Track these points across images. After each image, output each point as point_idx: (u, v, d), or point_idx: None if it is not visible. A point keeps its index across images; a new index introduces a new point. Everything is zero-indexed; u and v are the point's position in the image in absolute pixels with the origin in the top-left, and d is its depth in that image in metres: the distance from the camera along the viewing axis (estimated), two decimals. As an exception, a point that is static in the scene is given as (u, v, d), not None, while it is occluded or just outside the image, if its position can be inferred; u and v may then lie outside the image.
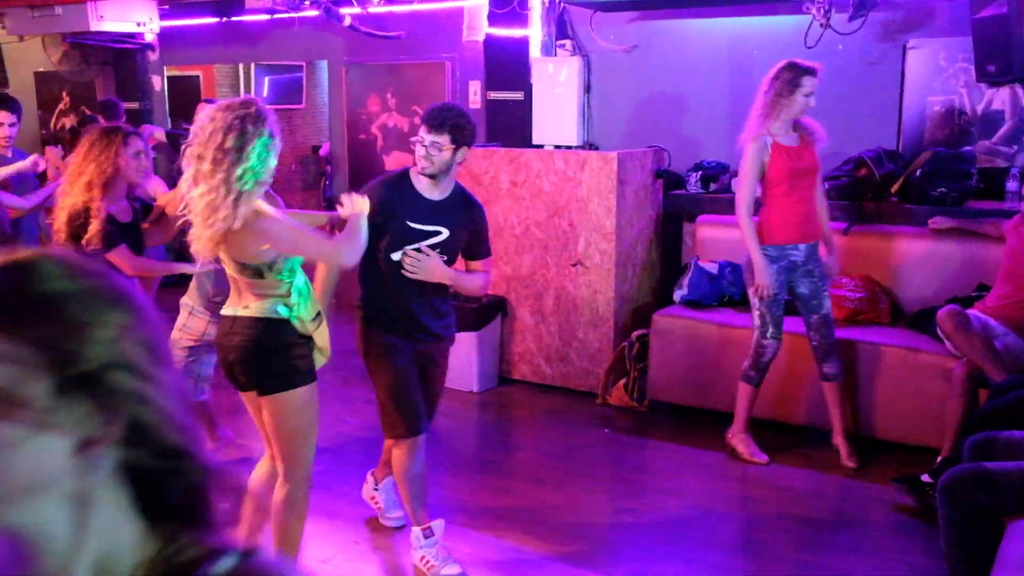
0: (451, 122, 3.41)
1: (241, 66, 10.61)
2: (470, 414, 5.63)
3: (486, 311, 5.88)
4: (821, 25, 5.29)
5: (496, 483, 4.57)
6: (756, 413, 5.11)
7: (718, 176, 5.81)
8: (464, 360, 5.86)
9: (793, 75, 4.46)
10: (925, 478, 4.10)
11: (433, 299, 3.61)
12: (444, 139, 3.41)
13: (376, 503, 4.14)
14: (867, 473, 4.58)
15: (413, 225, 3.48)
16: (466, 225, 3.62)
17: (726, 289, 5.46)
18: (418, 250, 3.49)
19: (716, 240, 5.71)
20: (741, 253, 5.56)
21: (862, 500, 4.36)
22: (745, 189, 4.59)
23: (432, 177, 3.50)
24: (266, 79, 11.33)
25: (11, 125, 5.39)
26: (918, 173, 5.14)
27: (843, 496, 4.46)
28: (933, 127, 5.48)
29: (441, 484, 4.54)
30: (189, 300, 4.41)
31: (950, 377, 4.39)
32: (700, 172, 5.84)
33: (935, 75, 5.43)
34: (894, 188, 5.16)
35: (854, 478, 4.56)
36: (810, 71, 4.46)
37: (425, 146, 3.43)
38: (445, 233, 3.53)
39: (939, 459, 4.22)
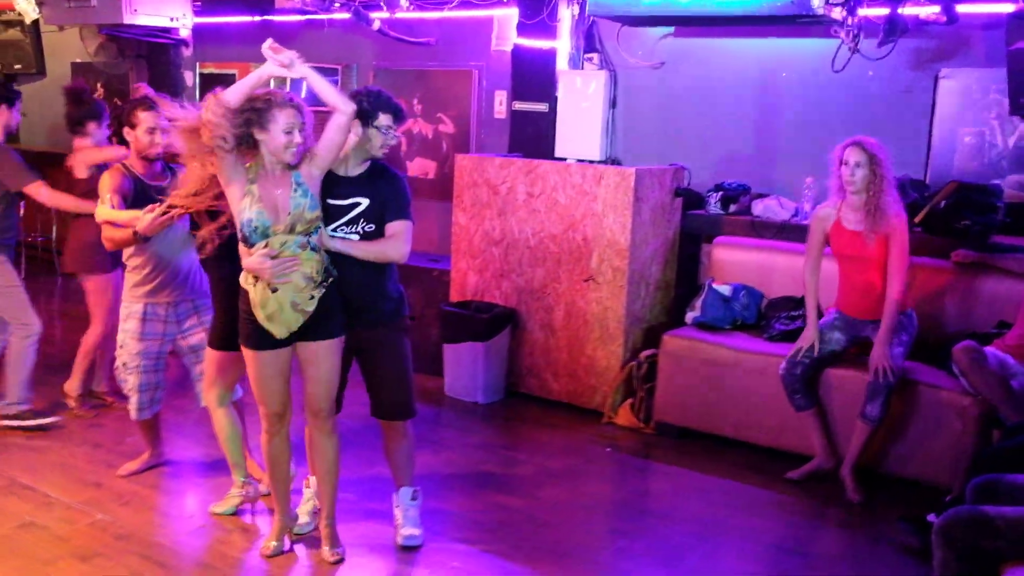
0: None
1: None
2: (473, 426, 5.55)
3: (495, 322, 5.80)
4: (850, 49, 5.18)
5: (491, 498, 4.48)
6: (762, 441, 5.02)
7: (738, 197, 5.71)
8: (470, 370, 5.80)
9: (840, 148, 4.58)
10: (932, 518, 3.95)
11: (377, 278, 3.69)
12: (399, 125, 3.72)
13: (396, 519, 4.05)
14: (873, 510, 4.45)
15: (332, 202, 3.62)
16: (385, 193, 3.70)
17: (739, 313, 5.35)
18: (354, 224, 3.63)
19: (732, 262, 5.60)
20: (757, 276, 5.48)
21: (865, 537, 4.23)
22: (807, 249, 4.84)
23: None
24: (304, 82, 11.39)
25: None
26: (942, 204, 5.00)
27: (846, 532, 4.33)
28: (963, 158, 5.34)
29: (435, 495, 4.46)
30: (139, 303, 4.32)
31: (963, 415, 4.25)
32: (721, 193, 5.74)
33: (967, 106, 5.29)
34: (917, 218, 5.03)
35: (860, 514, 4.43)
36: (851, 143, 4.55)
37: (396, 134, 3.71)
38: (365, 203, 3.66)
39: (947, 499, 4.08)
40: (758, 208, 5.63)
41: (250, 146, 3.42)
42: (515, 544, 4.00)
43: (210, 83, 10.13)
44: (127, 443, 4.93)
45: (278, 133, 3.37)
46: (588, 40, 6.43)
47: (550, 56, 6.45)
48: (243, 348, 3.57)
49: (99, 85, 9.71)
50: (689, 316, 5.43)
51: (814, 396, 4.72)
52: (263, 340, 3.50)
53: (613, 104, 6.40)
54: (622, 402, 5.51)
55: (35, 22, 9.59)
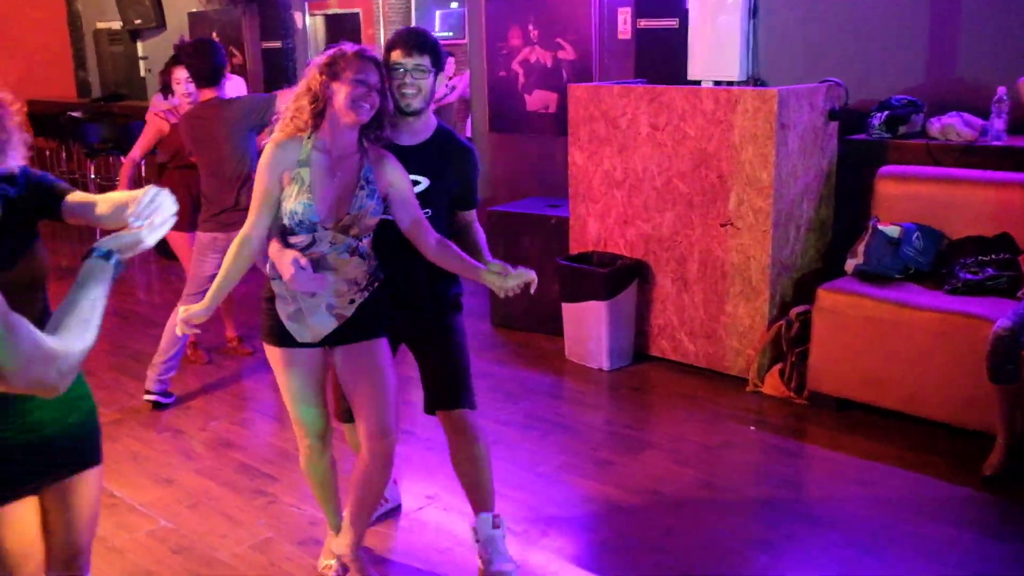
0: (433, 41, 2.89)
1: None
2: (596, 399, 4.84)
3: (619, 276, 5.04)
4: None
5: (606, 492, 3.79)
6: (942, 418, 4.10)
7: (909, 116, 4.69)
8: (592, 332, 5.08)
9: None
10: None
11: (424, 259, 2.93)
12: (426, 61, 2.87)
13: (481, 554, 3.23)
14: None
15: None
16: (454, 173, 2.99)
17: (912, 259, 4.38)
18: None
19: (903, 197, 4.59)
20: (934, 213, 4.49)
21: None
22: None
23: (413, 114, 2.93)
24: (437, 13, 10.79)
25: None
26: None
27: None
28: None
29: (536, 491, 3.80)
30: None
31: None
32: (886, 112, 4.73)
33: None
34: None
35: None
36: None
37: (407, 70, 2.86)
38: (424, 183, 2.95)
39: None
40: (935, 128, 4.61)
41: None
42: (626, 558, 3.31)
43: (334, 25, 9.69)
44: (211, 428, 4.51)
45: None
46: (722, -62, 5.48)
47: (678, -39, 5.57)
48: (265, 345, 2.96)
49: (214, 34, 9.36)
50: (850, 264, 4.51)
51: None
52: (288, 335, 2.88)
53: (754, 12, 5.43)
54: (769, 367, 4.68)
55: (152, -26, 9.38)
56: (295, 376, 2.90)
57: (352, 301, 2.82)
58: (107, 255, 1.95)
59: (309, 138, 2.78)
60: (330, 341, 2.87)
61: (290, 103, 2.82)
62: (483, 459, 3.13)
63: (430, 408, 3.12)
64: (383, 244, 2.92)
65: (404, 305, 3.02)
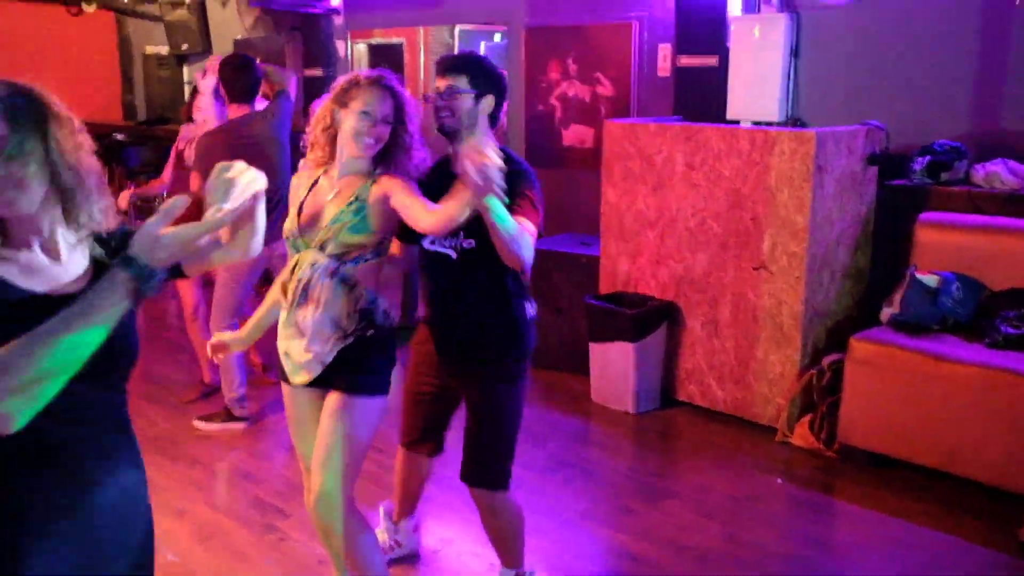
0: (470, 62, 2.79)
1: (458, 30, 10.19)
2: (621, 443, 4.73)
3: (649, 318, 4.93)
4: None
5: (627, 543, 3.67)
6: (981, 478, 3.93)
7: (952, 163, 4.55)
8: (620, 374, 4.97)
9: None
10: None
11: (487, 301, 2.83)
12: (462, 81, 2.75)
13: None
14: None
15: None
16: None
17: (950, 309, 4.23)
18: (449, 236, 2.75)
19: (943, 245, 4.46)
20: (976, 263, 4.34)
21: None
22: None
23: (452, 135, 2.79)
24: (481, 43, 10.82)
25: None
26: None
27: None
28: None
29: (557, 538, 3.70)
30: None
31: None
32: (928, 157, 4.60)
33: None
34: None
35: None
36: None
37: (439, 92, 2.76)
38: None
39: None
40: (979, 175, 4.47)
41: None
42: (644, 616, 3.20)
43: (378, 54, 9.74)
44: (228, 459, 4.47)
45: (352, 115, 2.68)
46: (765, -23, 5.43)
47: (720, 0, 5.50)
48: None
49: (259, 61, 9.46)
50: (885, 313, 4.37)
51: None
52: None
53: (795, 53, 5.33)
54: (799, 417, 4.54)
55: (201, 1, 9.51)
56: (295, 413, 2.86)
57: (334, 346, 2.69)
58: (127, 262, 1.44)
59: (324, 166, 2.78)
60: (321, 383, 2.76)
61: (312, 128, 2.80)
62: (506, 534, 3.08)
63: (462, 476, 3.03)
64: (436, 288, 2.90)
65: (451, 359, 2.96)
